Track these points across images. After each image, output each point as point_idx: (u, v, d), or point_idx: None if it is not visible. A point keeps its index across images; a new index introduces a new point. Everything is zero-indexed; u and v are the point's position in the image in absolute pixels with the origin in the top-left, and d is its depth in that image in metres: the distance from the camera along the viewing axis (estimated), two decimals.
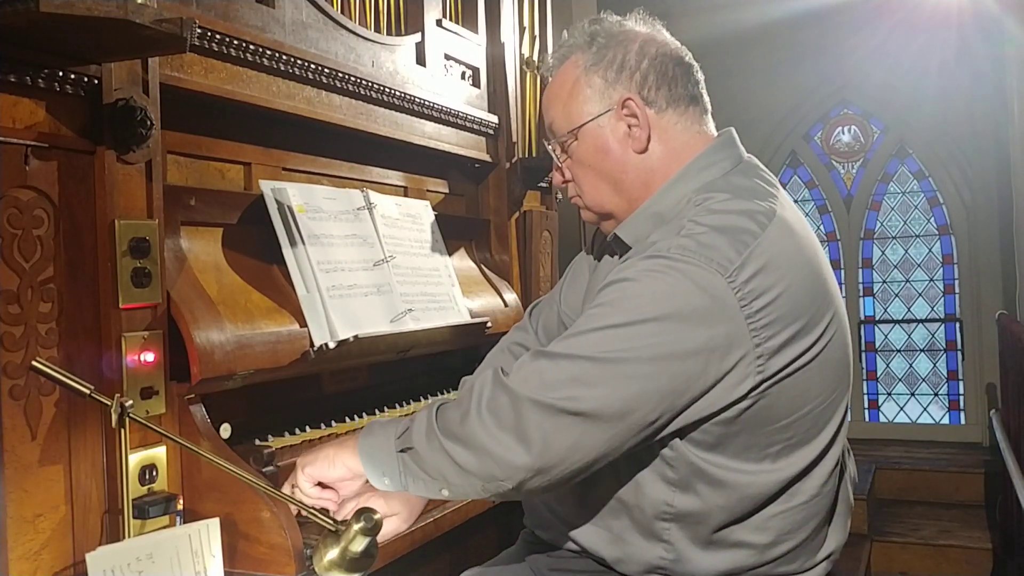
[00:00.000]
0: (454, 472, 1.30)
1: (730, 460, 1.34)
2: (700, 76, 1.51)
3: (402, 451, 1.35)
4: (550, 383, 1.25)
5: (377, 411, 2.20)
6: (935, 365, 6.43)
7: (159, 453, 1.55)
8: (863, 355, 6.52)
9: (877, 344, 6.56)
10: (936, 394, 6.41)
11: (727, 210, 1.32)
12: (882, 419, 6.52)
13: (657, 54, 1.45)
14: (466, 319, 2.40)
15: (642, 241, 1.40)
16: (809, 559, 1.45)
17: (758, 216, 1.32)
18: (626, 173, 1.46)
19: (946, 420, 6.38)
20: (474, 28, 2.83)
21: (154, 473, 1.54)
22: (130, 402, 1.37)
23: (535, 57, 3.13)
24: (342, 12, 2.24)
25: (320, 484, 1.48)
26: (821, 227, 6.66)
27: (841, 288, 6.81)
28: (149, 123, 1.53)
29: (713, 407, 1.28)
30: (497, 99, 2.91)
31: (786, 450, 1.36)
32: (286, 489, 1.50)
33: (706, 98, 1.51)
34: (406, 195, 2.60)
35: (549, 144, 1.56)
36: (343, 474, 1.45)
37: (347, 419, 2.10)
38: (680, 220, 1.34)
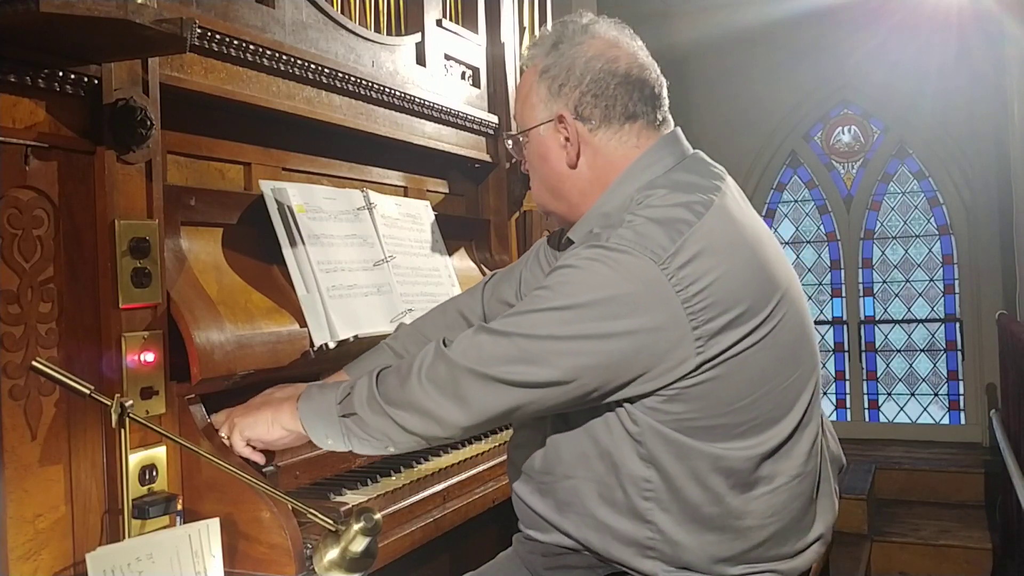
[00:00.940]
0: (397, 432, 1.42)
1: (698, 443, 1.38)
2: (649, 91, 1.51)
3: (344, 416, 1.46)
4: (488, 358, 1.36)
5: None
6: (935, 365, 6.43)
7: (159, 453, 1.55)
8: (863, 355, 6.52)
9: (877, 344, 6.56)
10: (936, 394, 6.42)
11: (665, 204, 1.39)
12: (882, 419, 6.52)
13: (601, 70, 1.48)
14: None
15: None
16: (798, 541, 1.47)
17: (695, 206, 1.38)
18: (561, 183, 1.54)
19: (946, 420, 6.38)
20: (474, 28, 2.83)
21: (154, 473, 1.54)
22: (130, 402, 1.37)
23: None
24: (342, 12, 2.24)
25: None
26: (821, 227, 6.67)
27: (841, 288, 6.84)
28: (149, 123, 1.53)
29: (655, 384, 1.35)
30: (497, 99, 2.91)
31: (753, 430, 1.40)
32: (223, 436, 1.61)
33: (654, 114, 1.52)
34: (406, 195, 2.60)
35: (512, 136, 1.64)
36: (281, 435, 1.57)
37: None
38: (622, 215, 1.40)
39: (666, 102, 1.55)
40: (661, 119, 1.54)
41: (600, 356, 1.32)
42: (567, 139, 1.50)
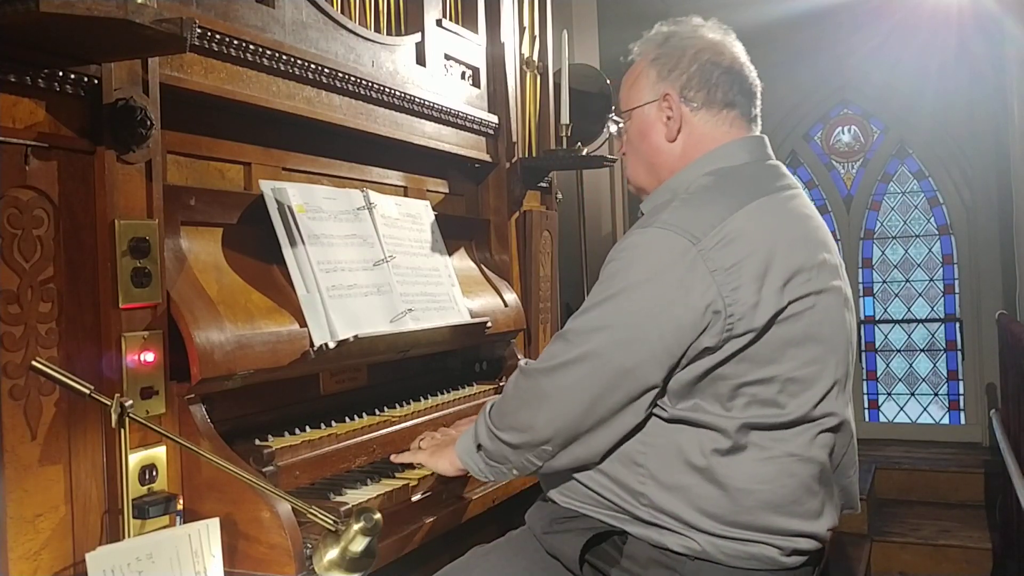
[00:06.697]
0: (510, 452, 1.58)
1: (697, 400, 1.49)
2: (748, 86, 1.67)
3: (478, 450, 1.65)
4: (549, 356, 1.53)
5: (377, 411, 2.20)
6: (935, 365, 6.42)
7: (159, 453, 1.55)
8: (863, 355, 6.52)
9: (877, 344, 6.56)
10: (936, 394, 6.41)
11: (718, 187, 1.53)
12: (882, 419, 6.52)
13: (707, 61, 1.63)
14: (466, 319, 2.40)
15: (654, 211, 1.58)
16: (793, 521, 1.48)
17: (740, 196, 1.50)
18: (657, 157, 1.66)
19: (946, 420, 6.38)
20: (474, 28, 2.83)
21: (154, 473, 1.54)
22: (130, 402, 1.37)
23: (535, 57, 3.13)
24: (342, 12, 2.24)
25: None
26: None
27: None
28: (149, 123, 1.53)
29: (694, 350, 1.45)
30: (497, 99, 2.90)
31: (754, 404, 1.47)
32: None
33: (749, 107, 1.66)
34: (406, 195, 2.60)
35: (615, 120, 1.78)
36: (458, 475, 1.80)
37: (347, 419, 2.10)
38: (683, 194, 1.54)
39: (760, 102, 1.69)
40: (755, 114, 1.68)
41: (653, 332, 1.44)
42: (669, 117, 1.63)
